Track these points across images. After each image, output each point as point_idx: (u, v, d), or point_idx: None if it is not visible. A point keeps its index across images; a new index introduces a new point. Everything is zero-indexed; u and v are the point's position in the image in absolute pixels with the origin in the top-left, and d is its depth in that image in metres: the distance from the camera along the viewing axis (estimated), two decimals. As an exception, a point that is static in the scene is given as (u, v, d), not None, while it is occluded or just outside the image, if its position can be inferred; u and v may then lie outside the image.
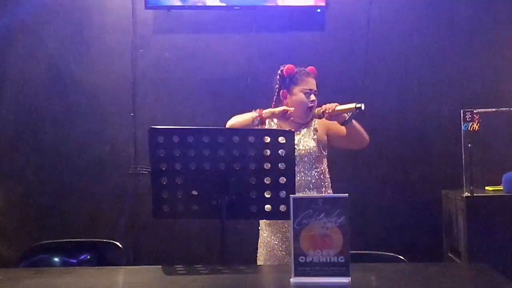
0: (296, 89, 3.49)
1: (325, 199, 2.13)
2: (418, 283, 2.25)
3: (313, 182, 3.43)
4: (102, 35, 4.73)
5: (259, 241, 3.52)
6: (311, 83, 3.51)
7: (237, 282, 2.44)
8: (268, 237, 3.47)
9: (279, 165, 2.80)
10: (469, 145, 3.83)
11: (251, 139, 2.81)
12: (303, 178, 3.40)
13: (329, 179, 3.54)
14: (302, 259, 2.12)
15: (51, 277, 2.50)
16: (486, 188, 4.00)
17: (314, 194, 3.37)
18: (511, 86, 4.58)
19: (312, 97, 3.47)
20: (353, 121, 3.40)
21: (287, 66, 3.53)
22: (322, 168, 3.50)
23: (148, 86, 4.72)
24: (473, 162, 3.82)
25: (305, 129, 3.50)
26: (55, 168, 4.68)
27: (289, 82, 3.51)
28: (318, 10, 4.63)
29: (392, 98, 4.67)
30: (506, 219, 3.78)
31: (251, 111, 3.46)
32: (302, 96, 3.47)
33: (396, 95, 4.67)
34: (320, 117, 3.39)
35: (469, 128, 3.84)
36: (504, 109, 4.05)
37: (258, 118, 3.37)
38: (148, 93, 4.72)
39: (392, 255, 2.98)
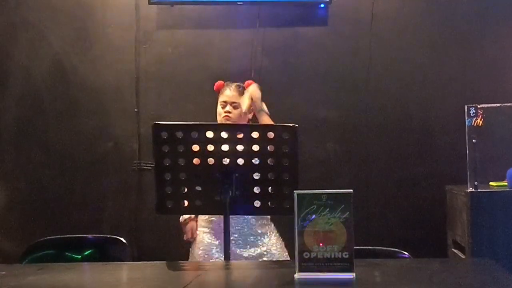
0: (219, 102, 3.64)
1: (329, 194, 2.13)
2: (422, 278, 2.25)
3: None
4: (105, 31, 4.73)
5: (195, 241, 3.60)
6: (227, 95, 3.62)
7: (241, 277, 2.44)
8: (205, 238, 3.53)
9: (283, 161, 2.80)
10: (473, 140, 3.82)
11: (254, 134, 2.81)
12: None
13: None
14: (306, 255, 2.12)
15: (55, 272, 2.50)
16: (490, 183, 3.99)
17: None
18: (515, 81, 4.58)
19: (227, 108, 3.59)
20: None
21: (217, 82, 3.71)
22: None
23: (152, 81, 4.72)
24: (477, 158, 3.81)
25: None
26: (59, 164, 4.69)
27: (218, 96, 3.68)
28: (322, 5, 4.62)
29: (396, 93, 4.66)
30: (510, 215, 3.77)
31: None
32: (219, 108, 3.62)
33: (400, 90, 4.66)
34: None
35: (473, 124, 3.83)
36: (508, 104, 4.04)
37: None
38: (152, 88, 4.72)
39: (396, 251, 2.98)
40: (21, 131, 4.72)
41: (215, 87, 3.70)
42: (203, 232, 3.57)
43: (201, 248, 3.55)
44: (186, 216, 3.56)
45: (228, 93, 3.62)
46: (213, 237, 3.53)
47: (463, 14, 4.65)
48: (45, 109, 4.72)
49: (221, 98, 3.63)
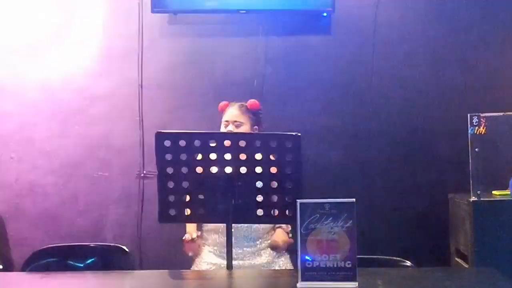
0: (222, 122, 3.69)
1: (332, 203, 2.13)
2: (425, 287, 2.25)
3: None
4: (109, 39, 4.74)
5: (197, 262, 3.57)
6: (229, 114, 3.68)
7: (244, 286, 2.44)
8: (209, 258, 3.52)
9: (286, 169, 2.80)
10: (476, 149, 3.81)
11: (257, 143, 2.81)
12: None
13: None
14: (309, 264, 2.12)
15: (58, 281, 2.50)
16: (493, 192, 3.98)
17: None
18: (518, 90, 4.57)
19: (229, 127, 3.64)
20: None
21: (221, 103, 3.78)
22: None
23: (155, 90, 4.72)
24: (480, 166, 3.81)
25: None
26: (62, 172, 4.69)
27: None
28: (324, 14, 4.62)
29: (399, 102, 4.66)
30: (513, 223, 3.77)
31: None
32: (222, 127, 3.67)
33: (403, 99, 4.66)
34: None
35: (475, 132, 3.83)
36: (511, 113, 4.03)
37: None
38: (155, 97, 4.72)
39: (398, 260, 2.98)
40: (23, 139, 4.72)
41: (219, 108, 3.76)
42: (207, 251, 3.56)
43: (203, 263, 3.54)
44: (194, 235, 3.48)
45: (231, 112, 3.68)
46: (215, 256, 3.52)
47: (466, 22, 4.65)
48: (48, 116, 4.72)
49: (224, 118, 3.69)
